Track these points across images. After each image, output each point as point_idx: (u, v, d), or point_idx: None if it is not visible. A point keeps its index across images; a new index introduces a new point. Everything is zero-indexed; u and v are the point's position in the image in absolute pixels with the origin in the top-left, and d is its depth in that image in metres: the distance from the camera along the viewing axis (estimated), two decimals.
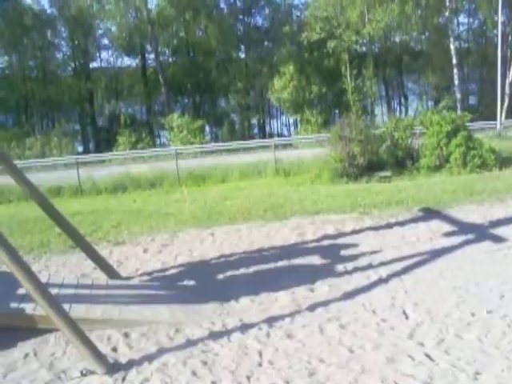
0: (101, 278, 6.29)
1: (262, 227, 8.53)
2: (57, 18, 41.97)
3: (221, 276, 6.28)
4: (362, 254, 6.80)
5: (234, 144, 23.41)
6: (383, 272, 6.12)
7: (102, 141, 42.22)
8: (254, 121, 42.76)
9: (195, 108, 41.70)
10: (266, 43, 42.56)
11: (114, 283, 6.04)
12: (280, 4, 42.72)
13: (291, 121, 42.10)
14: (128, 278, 6.37)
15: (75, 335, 4.25)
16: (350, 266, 6.40)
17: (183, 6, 36.87)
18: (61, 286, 5.70)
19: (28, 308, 4.90)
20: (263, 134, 39.81)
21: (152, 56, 42.53)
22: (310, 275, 6.08)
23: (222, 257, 7.07)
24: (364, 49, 37.43)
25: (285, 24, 39.50)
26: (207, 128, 38.11)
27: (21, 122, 42.28)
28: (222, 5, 42.11)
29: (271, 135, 36.64)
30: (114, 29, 40.17)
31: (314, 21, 34.34)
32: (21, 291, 4.93)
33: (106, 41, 44.05)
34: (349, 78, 32.56)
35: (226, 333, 4.82)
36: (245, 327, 4.89)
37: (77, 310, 4.96)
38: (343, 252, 6.95)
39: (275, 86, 34.21)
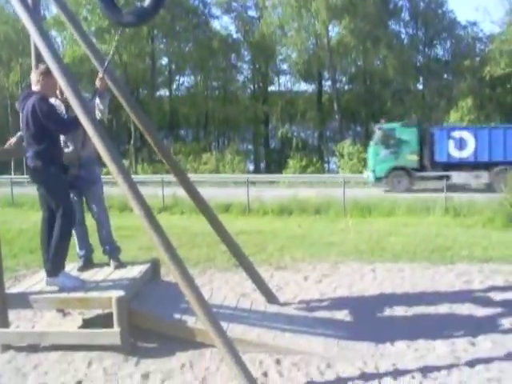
0: (259, 300, 6.40)
1: (426, 269, 8.18)
2: (241, 42, 44.06)
3: (378, 315, 6.10)
4: None
5: None
6: None
7: (273, 162, 43.38)
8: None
9: (367, 137, 41.41)
10: (445, 75, 41.27)
11: (272, 308, 6.11)
12: (463, 36, 41.23)
13: None
14: (286, 304, 6.41)
15: (230, 354, 4.33)
16: None
17: (364, 35, 36.94)
18: (222, 303, 5.89)
19: (189, 321, 5.11)
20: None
21: (328, 83, 43.05)
22: (473, 327, 5.68)
23: (382, 295, 6.87)
24: None
25: (466, 57, 38.07)
26: None
27: (199, 138, 44.86)
28: (403, 35, 41.57)
29: None
30: (293, 55, 41.26)
31: (500, 55, 32.68)
32: (184, 304, 5.15)
33: (285, 66, 45.41)
34: None
35: (378, 375, 4.65)
36: (397, 373, 4.69)
37: (234, 330, 5.08)
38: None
39: (451, 119, 33.02)
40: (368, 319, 5.96)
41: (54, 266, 5.32)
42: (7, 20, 38.78)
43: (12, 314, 5.68)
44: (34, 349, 5.18)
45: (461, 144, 24.82)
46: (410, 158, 25.04)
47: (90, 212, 6.00)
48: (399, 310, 6.22)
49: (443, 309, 6.30)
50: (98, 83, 5.47)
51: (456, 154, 24.90)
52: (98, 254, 6.34)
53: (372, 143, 26.00)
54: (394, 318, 5.97)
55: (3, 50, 41.20)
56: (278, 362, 4.87)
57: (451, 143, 24.95)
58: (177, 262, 4.50)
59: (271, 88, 47.24)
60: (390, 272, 8.03)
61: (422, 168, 25.28)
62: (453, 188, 21.97)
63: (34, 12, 5.28)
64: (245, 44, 44.44)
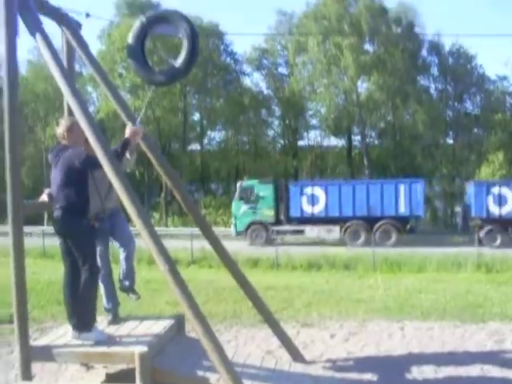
0: (285, 358, 6.30)
1: (456, 328, 7.97)
2: (272, 98, 44.75)
3: (407, 376, 5.93)
4: None
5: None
6: None
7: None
8: (458, 209, 40.98)
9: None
10: (475, 130, 41.20)
11: (297, 366, 6.00)
12: (493, 91, 41.27)
13: None
14: (311, 363, 6.30)
15: None
16: None
17: (393, 91, 37.25)
18: (246, 360, 5.81)
19: (212, 378, 5.04)
20: (466, 224, 37.89)
21: (358, 137, 43.25)
22: None
23: (410, 355, 6.70)
24: None
25: (497, 111, 38.03)
26: None
27: (229, 192, 45.11)
28: (432, 90, 41.83)
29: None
30: (323, 110, 41.68)
31: None
32: (208, 361, 5.09)
33: (314, 121, 45.84)
34: None
35: None
36: None
37: None
38: None
39: (482, 173, 32.76)
40: (396, 380, 5.81)
41: (85, 321, 5.32)
42: (46, 77, 40.17)
43: (36, 367, 5.68)
44: None
45: (313, 199, 26.44)
46: (267, 213, 27.02)
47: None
48: (428, 371, 6.06)
49: (474, 370, 6.12)
50: (127, 132, 5.49)
51: (309, 209, 26.54)
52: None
53: (234, 199, 28.15)
54: (423, 380, 5.80)
55: (41, 105, 42.53)
56: None
57: (304, 199, 26.63)
58: (200, 320, 4.48)
59: (301, 143, 47.61)
60: (419, 330, 7.85)
61: (278, 222, 27.16)
62: (308, 242, 24.68)
63: (68, 69, 5.49)
64: (275, 100, 45.10)
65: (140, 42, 5.69)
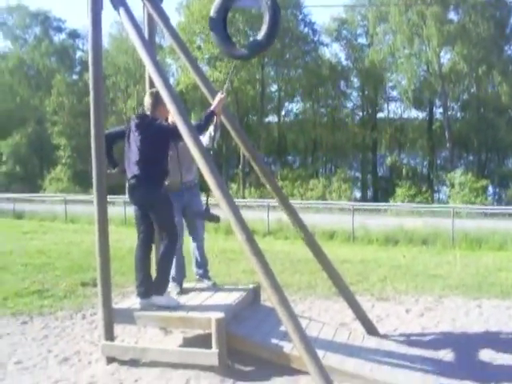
0: (358, 330, 6.31)
1: None
2: (350, 69, 44.05)
3: (482, 354, 5.79)
4: None
5: None
6: None
7: (381, 190, 42.78)
8: None
9: (480, 166, 39.90)
10: None
11: (371, 339, 6.01)
12: None
13: None
14: (385, 336, 6.28)
15: (325, 383, 4.31)
16: None
17: (477, 61, 35.77)
18: (319, 331, 5.86)
19: (286, 347, 5.14)
20: None
21: (440, 110, 41.97)
22: None
23: (487, 334, 6.55)
24: None
25: None
26: (490, 188, 36.14)
27: (306, 164, 45.02)
28: None
29: None
30: (403, 82, 40.62)
31: None
32: (282, 330, 5.18)
33: (394, 93, 44.80)
34: None
35: None
36: None
37: (330, 360, 5.03)
38: None
39: None
40: (471, 357, 5.71)
41: (158, 285, 5.53)
42: (127, 50, 41.06)
43: (118, 329, 5.96)
44: (135, 363, 5.40)
45: None
46: None
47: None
48: (505, 350, 5.91)
49: None
50: (215, 102, 5.50)
51: None
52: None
53: None
54: (499, 359, 5.67)
55: (122, 78, 43.61)
56: None
57: None
58: (275, 289, 4.56)
59: (380, 115, 46.77)
60: (497, 309, 7.65)
61: None
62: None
63: (149, 42, 5.62)
64: (354, 71, 44.39)
65: (222, 15, 5.74)
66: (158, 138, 5.32)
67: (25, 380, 5.21)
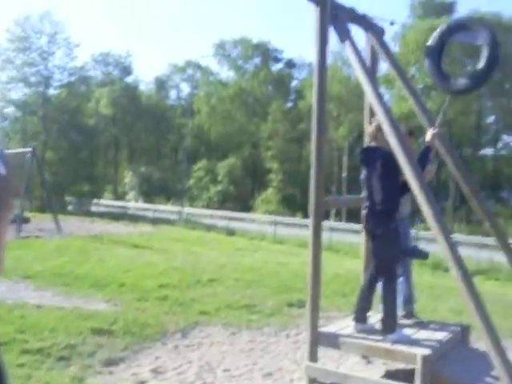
0: None
1: None
2: None
3: None
4: None
5: None
6: None
7: None
8: None
9: None
10: None
11: None
12: None
13: None
14: None
15: None
16: None
17: None
18: None
19: None
20: None
21: None
22: None
23: None
24: None
25: None
26: None
27: None
28: None
29: None
30: None
31: None
32: (492, 375, 4.91)
33: None
34: None
35: None
36: None
37: None
38: None
39: None
40: None
41: (387, 324, 5.49)
42: (340, 80, 41.84)
43: (320, 351, 6.07)
44: None
45: None
46: None
47: None
48: None
49: None
50: (428, 137, 5.50)
51: None
52: None
53: None
54: None
55: (334, 106, 44.53)
56: None
57: None
58: (490, 331, 4.34)
59: None
60: None
61: None
62: None
63: (372, 73, 5.75)
64: None
65: (439, 48, 5.70)
66: (389, 169, 5.28)
67: None
